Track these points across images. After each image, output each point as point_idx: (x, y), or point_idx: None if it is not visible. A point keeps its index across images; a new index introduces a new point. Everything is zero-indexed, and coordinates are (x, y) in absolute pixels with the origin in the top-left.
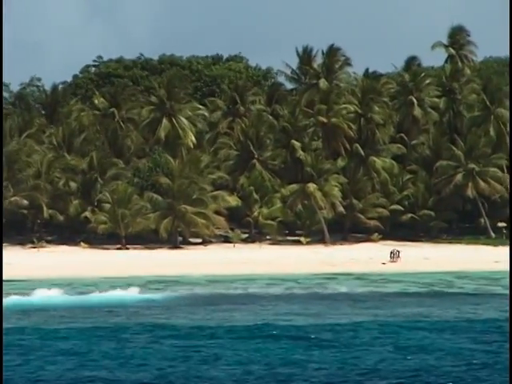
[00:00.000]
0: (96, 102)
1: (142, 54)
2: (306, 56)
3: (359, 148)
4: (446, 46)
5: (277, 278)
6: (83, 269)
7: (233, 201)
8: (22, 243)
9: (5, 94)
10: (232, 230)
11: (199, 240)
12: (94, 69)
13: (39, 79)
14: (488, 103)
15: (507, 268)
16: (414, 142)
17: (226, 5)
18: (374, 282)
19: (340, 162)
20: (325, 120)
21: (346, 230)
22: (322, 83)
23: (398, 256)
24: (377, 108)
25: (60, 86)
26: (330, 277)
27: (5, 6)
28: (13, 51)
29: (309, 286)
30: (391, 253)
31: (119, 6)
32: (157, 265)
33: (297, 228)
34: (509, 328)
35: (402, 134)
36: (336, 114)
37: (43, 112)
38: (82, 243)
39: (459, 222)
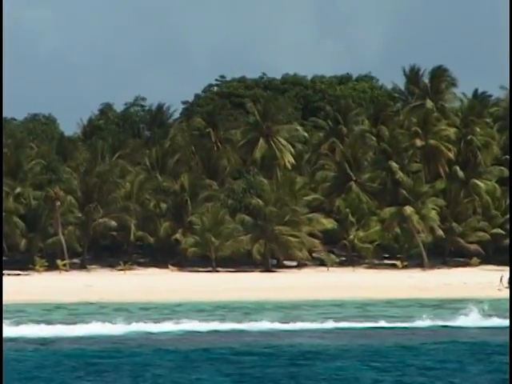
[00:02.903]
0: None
1: (264, 74)
2: (413, 75)
3: (459, 170)
4: None
5: (354, 303)
6: (165, 292)
7: (328, 223)
8: (112, 265)
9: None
10: (332, 252)
11: (294, 263)
12: (216, 88)
13: (144, 99)
14: None
15: None
16: None
17: None
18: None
19: (439, 185)
20: (421, 142)
21: (445, 254)
22: (428, 103)
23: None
24: (478, 130)
25: (165, 105)
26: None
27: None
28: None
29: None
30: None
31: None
32: (238, 288)
33: (397, 252)
34: (509, 329)
35: (508, 156)
36: (435, 135)
37: (147, 133)
38: (170, 266)
39: None
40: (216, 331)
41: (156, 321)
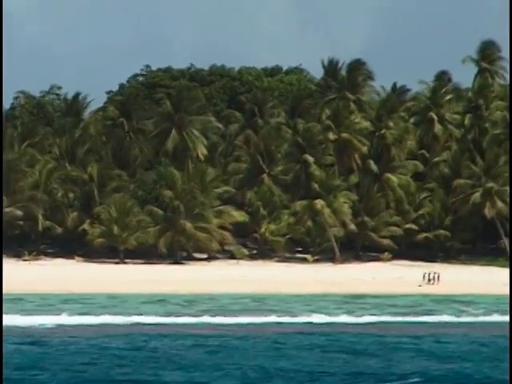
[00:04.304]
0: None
1: (192, 65)
2: (331, 68)
3: (372, 164)
4: (476, 61)
5: (255, 297)
6: (65, 284)
7: (239, 216)
8: (19, 255)
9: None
10: (246, 245)
11: (204, 255)
12: (141, 78)
13: (60, 87)
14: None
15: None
16: (436, 159)
17: None
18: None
19: (353, 179)
20: (334, 135)
21: (358, 248)
22: (345, 97)
23: (438, 279)
24: (392, 124)
25: (81, 95)
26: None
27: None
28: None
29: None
30: (428, 275)
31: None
32: (144, 281)
33: (310, 246)
34: (509, 329)
35: (424, 151)
36: (348, 129)
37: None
38: (76, 257)
39: (484, 243)
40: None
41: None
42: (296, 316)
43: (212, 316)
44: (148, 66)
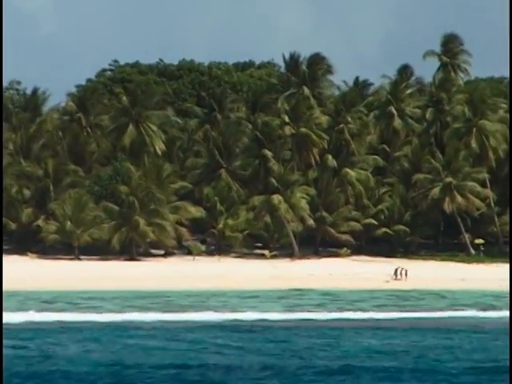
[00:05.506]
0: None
1: (161, 60)
2: (292, 63)
3: (330, 159)
4: (438, 55)
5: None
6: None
7: (196, 211)
8: None
9: None
10: (205, 241)
11: (162, 252)
12: (109, 73)
13: (19, 82)
14: (471, 115)
15: (471, 287)
16: (396, 153)
17: None
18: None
19: (311, 174)
20: (292, 130)
21: (316, 244)
22: (304, 91)
23: (406, 274)
24: (350, 118)
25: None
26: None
27: None
28: None
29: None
30: (396, 270)
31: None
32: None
33: (269, 241)
34: (509, 328)
35: (384, 146)
36: (306, 123)
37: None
38: (29, 253)
39: (445, 238)
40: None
41: None
42: (232, 312)
43: (155, 312)
44: (116, 61)
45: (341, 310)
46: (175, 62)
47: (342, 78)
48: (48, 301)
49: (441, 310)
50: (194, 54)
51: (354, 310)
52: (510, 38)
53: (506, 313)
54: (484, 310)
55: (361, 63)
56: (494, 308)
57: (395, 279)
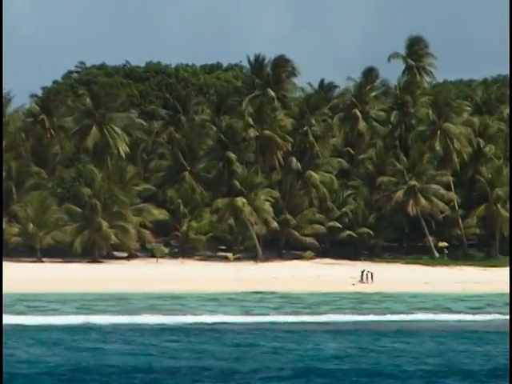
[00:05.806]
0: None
1: (127, 62)
2: (257, 65)
3: (294, 161)
4: (403, 57)
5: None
6: None
7: (159, 214)
8: None
9: None
10: (169, 244)
11: (125, 254)
12: (75, 75)
13: None
14: (435, 117)
15: (435, 290)
16: (361, 156)
17: None
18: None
19: (275, 176)
20: (255, 132)
21: (281, 246)
22: (268, 94)
23: (372, 278)
24: (314, 121)
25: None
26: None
27: None
28: None
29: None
30: (362, 273)
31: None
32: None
33: (233, 244)
34: (509, 328)
35: (349, 148)
36: (270, 126)
37: None
38: None
39: (409, 241)
40: None
41: None
42: (190, 315)
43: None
44: (82, 63)
45: (298, 313)
46: (152, 64)
47: (319, 78)
48: (8, 304)
49: (401, 313)
50: (169, 56)
51: (312, 313)
52: (510, 37)
53: (467, 316)
54: (445, 313)
55: (339, 64)
56: (451, 312)
57: (361, 282)
